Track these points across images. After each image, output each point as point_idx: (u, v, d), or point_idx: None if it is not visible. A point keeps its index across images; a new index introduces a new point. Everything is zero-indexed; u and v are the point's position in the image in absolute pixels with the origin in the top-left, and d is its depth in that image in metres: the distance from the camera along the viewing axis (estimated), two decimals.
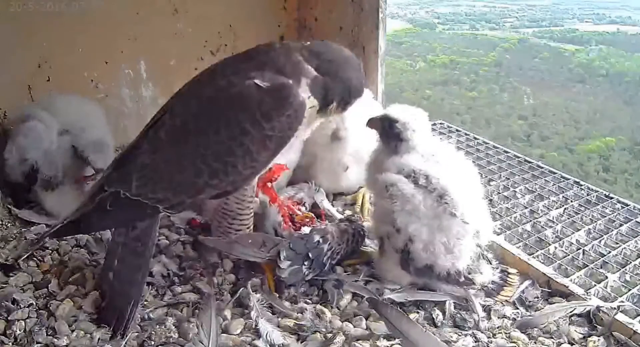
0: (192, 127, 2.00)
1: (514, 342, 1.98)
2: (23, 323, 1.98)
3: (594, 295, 2.21)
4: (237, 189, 2.15)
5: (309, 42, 2.18)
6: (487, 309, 2.15)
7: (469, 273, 2.14)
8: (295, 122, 2.03)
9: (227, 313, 2.07)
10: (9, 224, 2.65)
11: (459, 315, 2.10)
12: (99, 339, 1.93)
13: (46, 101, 2.90)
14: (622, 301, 2.19)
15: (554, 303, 2.19)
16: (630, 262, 2.50)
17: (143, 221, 2.07)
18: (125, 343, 1.91)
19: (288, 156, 2.48)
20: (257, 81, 1.97)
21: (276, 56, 2.07)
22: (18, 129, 2.72)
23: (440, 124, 4.29)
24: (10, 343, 1.91)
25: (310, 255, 2.20)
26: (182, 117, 2.03)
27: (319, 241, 2.25)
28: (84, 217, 2.05)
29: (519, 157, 3.67)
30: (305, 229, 2.35)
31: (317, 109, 2.13)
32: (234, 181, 2.04)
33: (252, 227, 2.42)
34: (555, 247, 2.62)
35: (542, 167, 3.52)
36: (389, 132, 2.24)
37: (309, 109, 2.07)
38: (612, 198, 3.12)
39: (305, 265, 2.18)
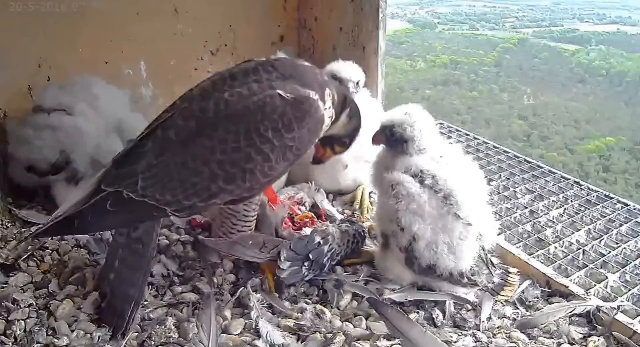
0: (208, 130, 1.95)
1: (514, 342, 1.98)
2: (23, 323, 1.98)
3: (594, 295, 2.21)
4: (253, 196, 2.16)
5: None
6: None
7: (472, 275, 2.14)
8: (314, 135, 2.09)
9: (227, 313, 2.07)
10: (9, 224, 2.65)
11: (459, 315, 2.10)
12: (99, 339, 1.93)
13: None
14: (622, 301, 2.19)
15: (554, 303, 2.19)
16: (630, 262, 2.50)
17: (147, 222, 2.05)
18: (125, 343, 1.92)
19: None
20: (280, 92, 1.99)
21: (302, 70, 2.14)
22: (61, 119, 2.77)
23: (440, 124, 4.28)
24: (10, 343, 1.90)
25: (310, 256, 2.20)
26: (197, 119, 1.98)
27: (319, 242, 2.25)
28: (80, 216, 1.99)
29: (519, 157, 3.67)
30: (307, 230, 2.34)
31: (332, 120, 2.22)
32: (251, 187, 2.03)
33: (253, 228, 2.42)
34: (555, 247, 2.62)
35: (542, 167, 3.52)
36: (391, 139, 2.22)
37: (327, 118, 2.14)
38: (612, 198, 3.12)
39: (305, 266, 2.18)
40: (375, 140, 2.30)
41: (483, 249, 2.19)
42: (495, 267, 2.24)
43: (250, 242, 2.24)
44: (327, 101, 2.12)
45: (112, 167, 2.07)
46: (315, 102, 2.04)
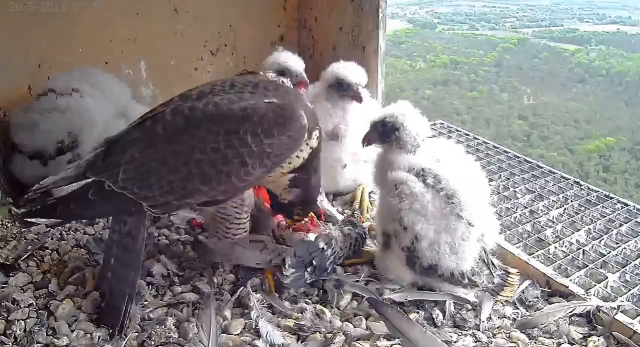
0: (193, 129, 1.96)
1: (514, 342, 1.98)
2: (23, 323, 1.98)
3: (594, 295, 2.21)
4: (227, 199, 2.15)
5: None
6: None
7: (473, 275, 2.14)
8: (295, 144, 2.05)
9: (227, 313, 2.07)
10: (9, 224, 2.65)
11: (459, 315, 2.10)
12: (99, 339, 1.93)
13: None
14: (622, 301, 2.19)
15: (554, 303, 2.19)
16: (630, 262, 2.50)
17: (126, 215, 2.05)
18: (125, 343, 1.92)
19: None
20: (267, 100, 2.00)
21: (304, 103, 2.17)
22: (69, 100, 2.79)
23: (441, 124, 4.29)
24: (10, 343, 1.91)
25: (314, 262, 2.20)
26: (185, 117, 1.99)
27: (323, 248, 2.25)
28: (63, 202, 2.00)
29: (519, 157, 3.67)
30: (311, 236, 2.32)
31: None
32: (226, 190, 2.02)
33: (248, 231, 2.41)
34: (555, 247, 2.62)
35: (542, 167, 3.52)
36: (384, 131, 2.24)
37: (305, 149, 2.11)
38: (612, 198, 3.12)
39: (308, 271, 2.19)
40: (367, 138, 2.31)
41: (485, 251, 2.19)
42: (496, 268, 2.24)
43: (251, 243, 2.24)
44: (312, 140, 2.12)
45: (101, 152, 2.06)
46: (300, 112, 2.03)
